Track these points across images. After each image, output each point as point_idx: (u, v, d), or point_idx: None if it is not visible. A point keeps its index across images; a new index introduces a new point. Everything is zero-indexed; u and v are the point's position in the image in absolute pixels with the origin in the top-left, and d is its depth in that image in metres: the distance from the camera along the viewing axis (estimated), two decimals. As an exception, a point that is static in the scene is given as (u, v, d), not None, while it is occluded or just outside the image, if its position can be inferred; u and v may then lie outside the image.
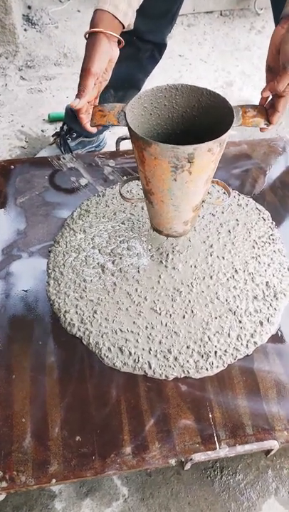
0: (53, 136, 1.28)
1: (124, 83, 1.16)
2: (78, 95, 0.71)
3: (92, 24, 0.71)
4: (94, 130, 0.76)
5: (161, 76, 1.60)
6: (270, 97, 0.74)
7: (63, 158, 1.13)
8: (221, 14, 1.93)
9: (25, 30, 1.72)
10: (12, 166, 1.10)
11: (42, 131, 1.41)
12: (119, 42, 0.74)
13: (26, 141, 1.38)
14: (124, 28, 0.74)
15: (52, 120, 1.42)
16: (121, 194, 0.84)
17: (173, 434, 0.72)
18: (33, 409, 0.74)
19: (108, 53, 0.72)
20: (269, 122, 0.72)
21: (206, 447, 0.71)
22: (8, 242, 0.96)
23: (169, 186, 0.73)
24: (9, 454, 0.70)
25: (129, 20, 0.74)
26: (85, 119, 0.73)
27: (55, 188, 1.06)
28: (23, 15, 1.75)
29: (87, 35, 0.72)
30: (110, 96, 1.18)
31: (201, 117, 0.78)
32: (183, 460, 0.70)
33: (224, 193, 1.04)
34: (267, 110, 0.73)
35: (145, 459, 0.70)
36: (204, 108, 0.77)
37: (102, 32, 0.70)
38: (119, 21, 0.72)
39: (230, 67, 1.70)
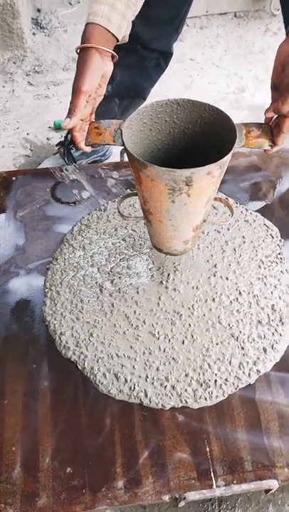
0: (56, 145, 1.26)
1: (129, 92, 1.13)
2: (69, 115, 0.67)
3: (84, 39, 0.68)
4: (88, 149, 0.72)
5: (171, 81, 1.56)
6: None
7: (66, 169, 1.10)
8: (235, 16, 1.88)
9: (33, 34, 1.69)
10: (13, 178, 1.08)
11: (47, 139, 1.39)
12: (113, 56, 0.71)
13: (31, 150, 1.36)
14: (118, 41, 0.70)
15: (57, 128, 1.40)
16: (119, 211, 0.81)
17: (168, 468, 0.69)
18: (23, 438, 0.72)
19: (101, 69, 0.68)
20: (273, 143, 0.68)
21: (201, 483, 0.68)
22: (6, 258, 0.94)
23: (167, 207, 0.69)
24: (-3, 485, 0.68)
25: (123, 32, 0.70)
26: (79, 138, 0.70)
27: (56, 201, 1.04)
28: (32, 18, 1.72)
29: (78, 51, 0.69)
30: (115, 105, 1.15)
31: (203, 133, 0.74)
32: (177, 497, 0.67)
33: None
34: (272, 130, 0.69)
35: (138, 494, 0.67)
36: (207, 124, 0.73)
37: (94, 47, 0.67)
38: (113, 35, 0.68)
39: (243, 71, 1.65)
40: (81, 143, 0.71)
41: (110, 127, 0.70)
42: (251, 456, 0.70)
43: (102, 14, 0.66)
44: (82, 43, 0.68)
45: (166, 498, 0.67)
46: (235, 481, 0.68)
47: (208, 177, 0.63)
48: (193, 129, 0.75)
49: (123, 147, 0.78)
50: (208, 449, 0.71)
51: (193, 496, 0.66)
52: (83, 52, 0.68)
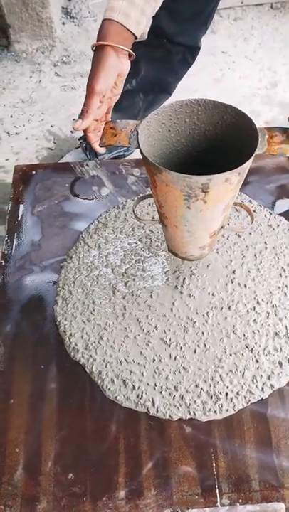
0: (79, 139, 1.24)
1: (153, 87, 1.10)
2: (81, 116, 0.65)
3: (99, 36, 0.65)
4: (103, 150, 0.70)
5: (200, 74, 1.52)
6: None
7: (87, 164, 1.08)
8: (272, 7, 1.80)
9: (63, 23, 1.67)
10: (33, 172, 1.07)
11: (71, 131, 1.37)
12: (130, 54, 0.67)
13: (54, 142, 1.35)
14: (136, 38, 0.67)
15: (82, 121, 1.38)
16: (134, 213, 0.79)
17: (171, 481, 0.67)
18: (27, 439, 0.71)
19: (116, 68, 0.65)
20: None
21: (205, 499, 0.66)
22: (22, 254, 0.93)
23: (183, 213, 0.66)
24: (-1, 486, 0.67)
25: (142, 29, 0.67)
26: (94, 138, 0.68)
27: (74, 198, 1.02)
28: (62, 7, 1.70)
29: (93, 48, 0.66)
30: (140, 100, 1.12)
31: (224, 136, 0.71)
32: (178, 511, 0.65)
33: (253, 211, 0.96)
34: None
35: (139, 506, 0.66)
36: (228, 126, 0.69)
37: (110, 45, 0.64)
38: (131, 32, 0.65)
39: (277, 65, 1.58)
40: (95, 144, 0.68)
41: (126, 128, 0.67)
42: (259, 474, 0.67)
43: (119, 10, 0.63)
44: (97, 40, 0.65)
45: (168, 512, 0.65)
46: (240, 500, 0.65)
47: (226, 184, 0.60)
48: (214, 130, 0.71)
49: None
50: (214, 464, 0.68)
51: (195, 513, 0.63)
52: (98, 51, 0.65)
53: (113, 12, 0.64)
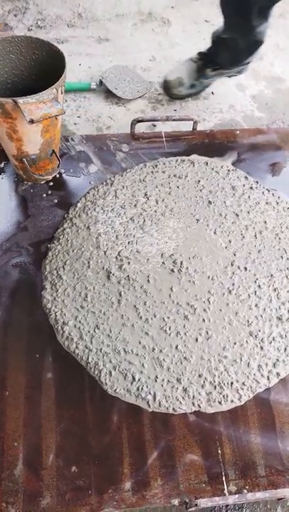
0: (198, 54, 1.25)
1: None
2: None
3: None
4: None
5: (184, 44, 1.46)
6: None
7: (72, 139, 1.02)
8: (255, -27, 1.73)
9: (36, -17, 1.55)
10: (15, 147, 1.00)
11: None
12: None
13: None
14: None
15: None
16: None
17: (177, 470, 0.66)
18: (26, 433, 0.68)
19: None
20: None
21: (212, 487, 0.65)
22: (7, 236, 0.87)
23: None
24: (-2, 483, 0.64)
25: None
26: None
27: (60, 174, 0.96)
28: None
29: None
30: None
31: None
32: (187, 501, 0.64)
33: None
34: None
35: (146, 496, 0.64)
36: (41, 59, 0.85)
37: None
38: None
39: (261, 36, 1.53)
40: None
41: None
42: (265, 460, 0.67)
43: None
44: None
45: (176, 502, 0.64)
46: (247, 486, 0.65)
47: None
48: (34, 63, 0.86)
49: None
50: (220, 452, 0.68)
51: (205, 503, 0.63)
52: None
53: None
